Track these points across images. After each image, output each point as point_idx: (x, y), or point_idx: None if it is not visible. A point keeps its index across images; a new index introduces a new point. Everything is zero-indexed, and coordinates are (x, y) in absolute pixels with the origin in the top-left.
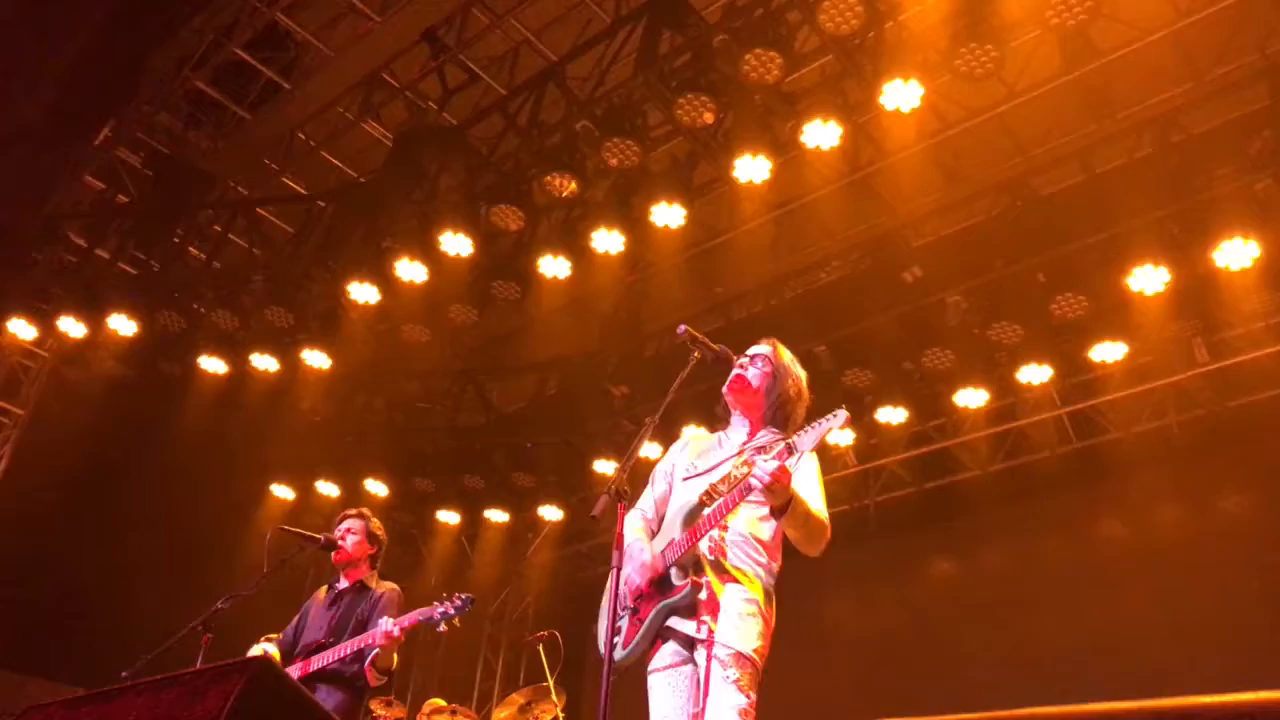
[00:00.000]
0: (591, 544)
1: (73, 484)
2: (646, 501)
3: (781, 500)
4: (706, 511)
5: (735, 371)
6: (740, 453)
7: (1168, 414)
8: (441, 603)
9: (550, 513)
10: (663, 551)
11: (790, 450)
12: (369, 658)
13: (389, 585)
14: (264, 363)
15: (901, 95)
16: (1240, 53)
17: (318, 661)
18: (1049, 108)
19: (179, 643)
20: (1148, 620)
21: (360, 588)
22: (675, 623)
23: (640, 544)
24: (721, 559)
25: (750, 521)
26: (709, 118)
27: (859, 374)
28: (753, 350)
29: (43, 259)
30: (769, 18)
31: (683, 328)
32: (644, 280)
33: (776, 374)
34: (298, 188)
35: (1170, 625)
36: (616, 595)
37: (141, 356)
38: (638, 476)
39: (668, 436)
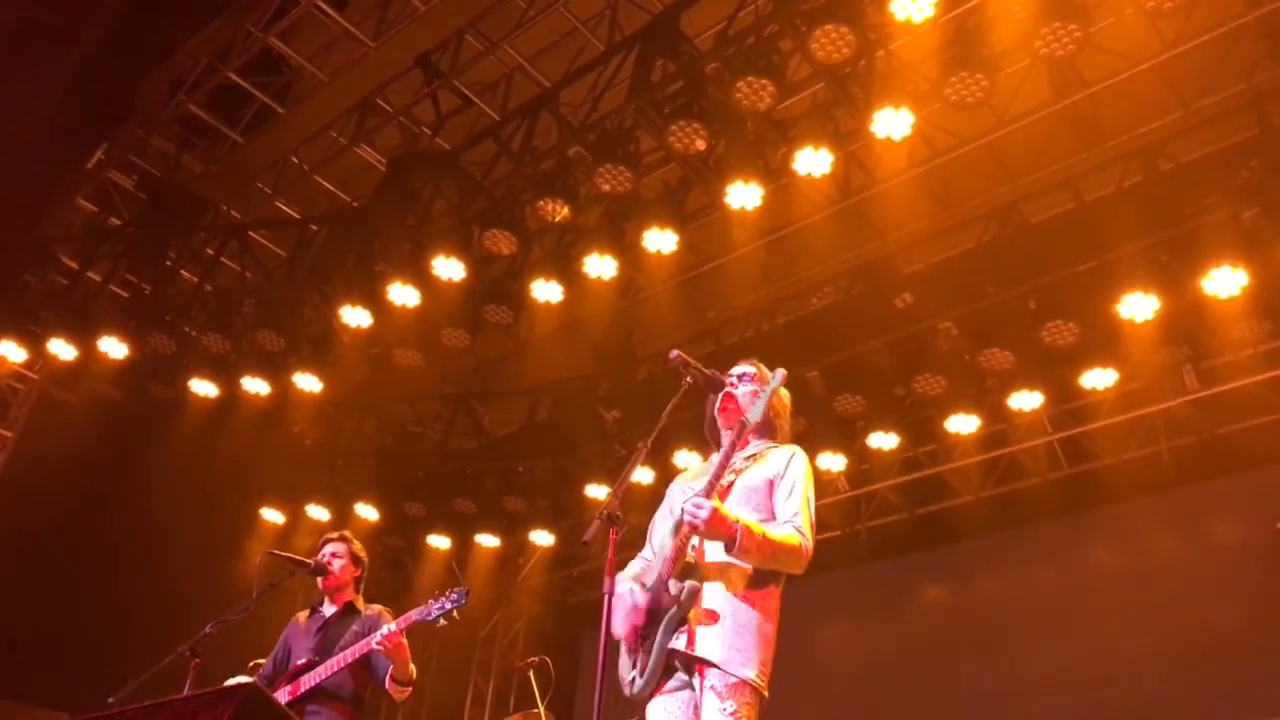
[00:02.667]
0: (583, 569)
1: (61, 507)
2: (646, 551)
3: (721, 536)
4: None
5: (725, 391)
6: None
7: (1158, 440)
8: (436, 599)
9: (541, 537)
10: (658, 574)
11: (744, 426)
12: (385, 674)
13: (378, 606)
14: (255, 386)
15: (892, 123)
16: (1227, 83)
17: (308, 681)
18: (1038, 136)
19: (167, 667)
20: (1140, 648)
21: (349, 610)
22: (673, 641)
23: (629, 587)
24: (706, 559)
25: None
26: (701, 144)
27: (850, 399)
28: (738, 370)
29: (33, 281)
30: (761, 46)
31: (675, 353)
32: (636, 305)
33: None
34: (290, 211)
35: (1162, 653)
36: (608, 627)
37: (132, 379)
38: (630, 501)
39: (660, 461)
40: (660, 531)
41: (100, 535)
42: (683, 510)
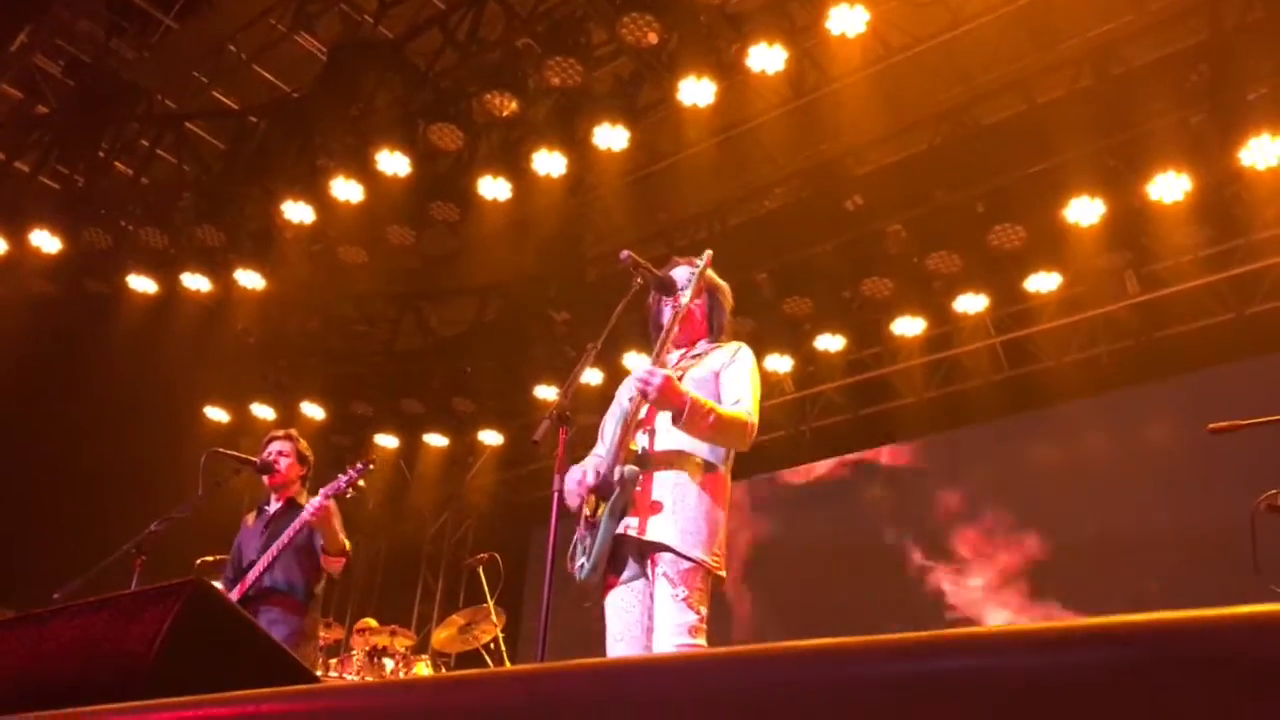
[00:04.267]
0: (532, 468)
1: None
2: (599, 448)
3: (671, 405)
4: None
5: (670, 309)
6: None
7: (1098, 343)
8: (344, 473)
9: (490, 437)
10: (608, 460)
11: (679, 311)
12: (318, 547)
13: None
14: (195, 282)
15: (847, 20)
16: None
17: (251, 576)
18: (992, 37)
19: (112, 565)
20: (1074, 541)
21: (291, 505)
22: (620, 526)
23: (579, 467)
24: (655, 448)
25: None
26: (653, 38)
27: (798, 301)
28: (677, 275)
29: None
30: None
31: (626, 253)
32: (586, 204)
33: (710, 294)
34: (229, 102)
35: (1095, 546)
36: (556, 520)
37: (67, 274)
38: (579, 402)
39: (609, 362)
40: (610, 428)
41: (40, 433)
42: (638, 395)
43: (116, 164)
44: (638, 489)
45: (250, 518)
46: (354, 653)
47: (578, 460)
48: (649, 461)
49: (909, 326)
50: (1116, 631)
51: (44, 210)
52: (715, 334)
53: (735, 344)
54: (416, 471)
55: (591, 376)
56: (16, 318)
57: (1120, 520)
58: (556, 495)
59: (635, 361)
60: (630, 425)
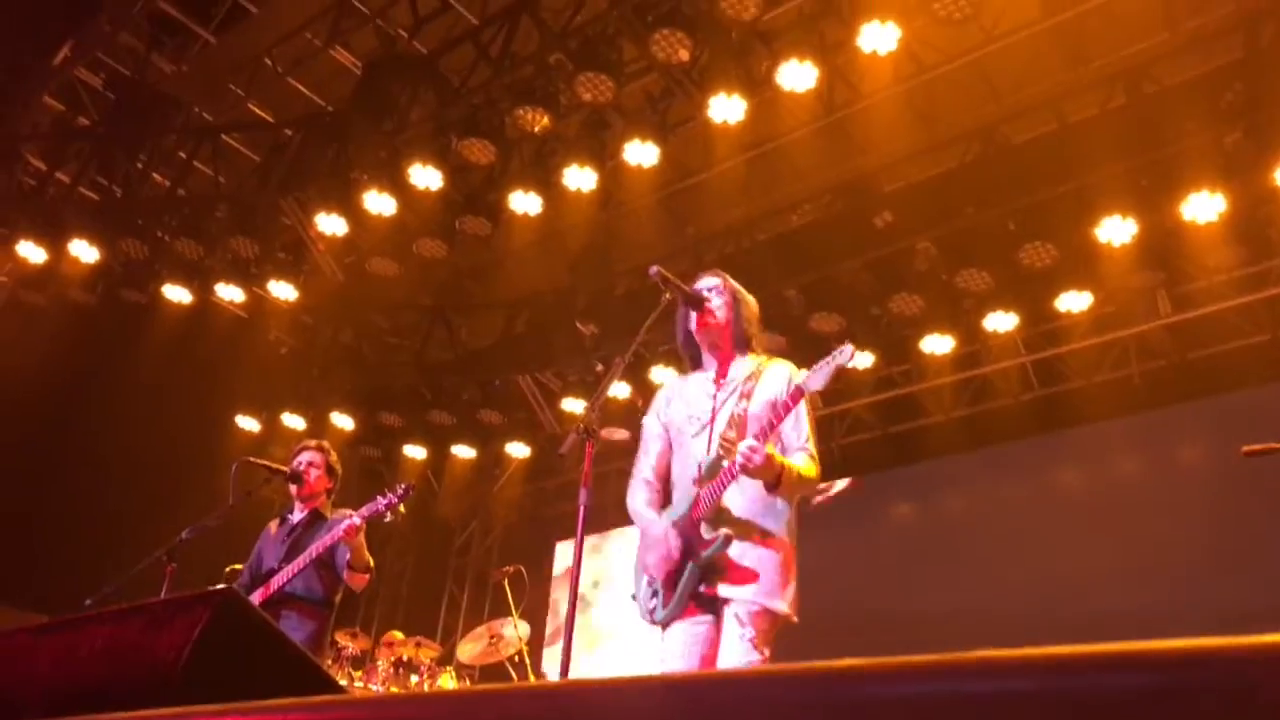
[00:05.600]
0: (559, 481)
1: (34, 410)
2: (645, 467)
3: (769, 477)
4: (725, 464)
5: (701, 316)
6: (721, 387)
7: (1130, 364)
8: (384, 495)
9: (517, 449)
10: (687, 514)
11: (800, 394)
12: (343, 563)
13: (345, 510)
14: (229, 293)
15: (879, 37)
16: (1215, 4)
17: (276, 583)
18: (1025, 55)
19: (143, 573)
20: (1104, 565)
21: (316, 516)
22: (706, 584)
23: (655, 524)
24: (734, 507)
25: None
26: (684, 55)
27: (827, 318)
28: (705, 284)
29: (0, 181)
30: None
31: (655, 268)
32: (615, 219)
33: (735, 300)
34: (264, 115)
35: (1126, 571)
36: (581, 535)
37: (104, 284)
38: (606, 415)
39: (636, 377)
40: (654, 450)
41: (73, 440)
42: (721, 451)
43: (154, 175)
44: (723, 552)
45: (274, 525)
46: (380, 664)
47: (602, 475)
48: (728, 520)
49: (938, 344)
50: (1143, 657)
51: (83, 220)
52: (740, 344)
53: (782, 367)
54: (444, 482)
55: (619, 390)
56: (53, 325)
57: (1149, 542)
58: (582, 509)
59: (662, 375)
60: (713, 483)
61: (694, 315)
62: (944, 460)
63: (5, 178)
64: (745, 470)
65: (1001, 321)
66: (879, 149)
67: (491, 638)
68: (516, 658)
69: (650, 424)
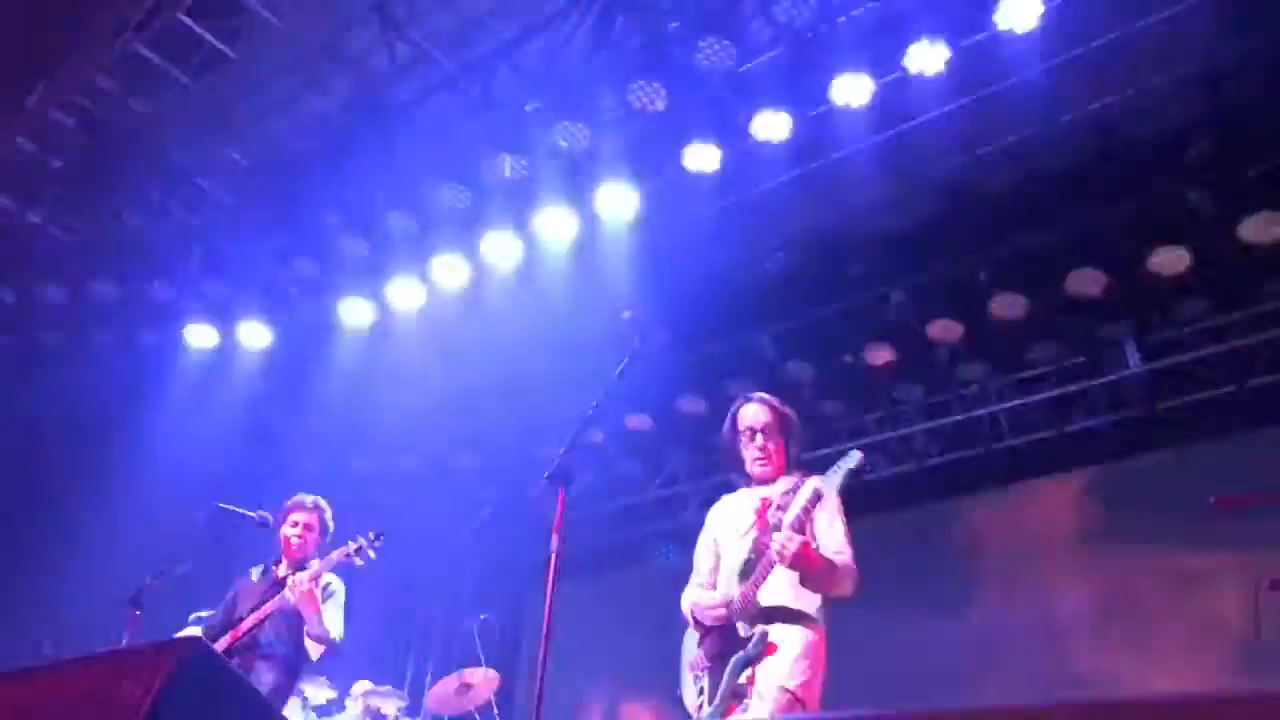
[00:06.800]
0: (529, 528)
1: None
2: (698, 575)
3: (806, 568)
4: (759, 566)
5: (752, 456)
6: (763, 501)
7: (1099, 413)
8: (354, 540)
9: (489, 495)
10: (727, 611)
11: (819, 497)
12: (305, 631)
13: (330, 576)
14: (201, 335)
15: (853, 90)
16: (1181, 61)
17: (238, 631)
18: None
19: (104, 619)
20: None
21: (300, 569)
22: (742, 676)
23: (716, 597)
24: (778, 605)
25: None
26: (660, 105)
27: (800, 366)
28: (753, 423)
29: None
30: (724, 4)
31: (627, 313)
32: (592, 264)
33: (785, 434)
34: (239, 158)
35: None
36: (554, 582)
37: (74, 325)
38: (577, 461)
39: (608, 422)
40: (706, 562)
41: (35, 481)
42: (754, 555)
43: (126, 217)
44: (763, 648)
45: (256, 572)
46: (347, 713)
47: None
48: (769, 615)
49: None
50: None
51: (53, 262)
52: (792, 466)
53: (815, 478)
54: (414, 528)
55: (590, 436)
56: (21, 367)
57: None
58: (554, 557)
59: (636, 423)
60: (749, 583)
61: (747, 458)
62: (923, 508)
63: None
64: (782, 558)
65: (973, 371)
66: (853, 198)
67: (461, 686)
68: (486, 708)
69: (703, 538)
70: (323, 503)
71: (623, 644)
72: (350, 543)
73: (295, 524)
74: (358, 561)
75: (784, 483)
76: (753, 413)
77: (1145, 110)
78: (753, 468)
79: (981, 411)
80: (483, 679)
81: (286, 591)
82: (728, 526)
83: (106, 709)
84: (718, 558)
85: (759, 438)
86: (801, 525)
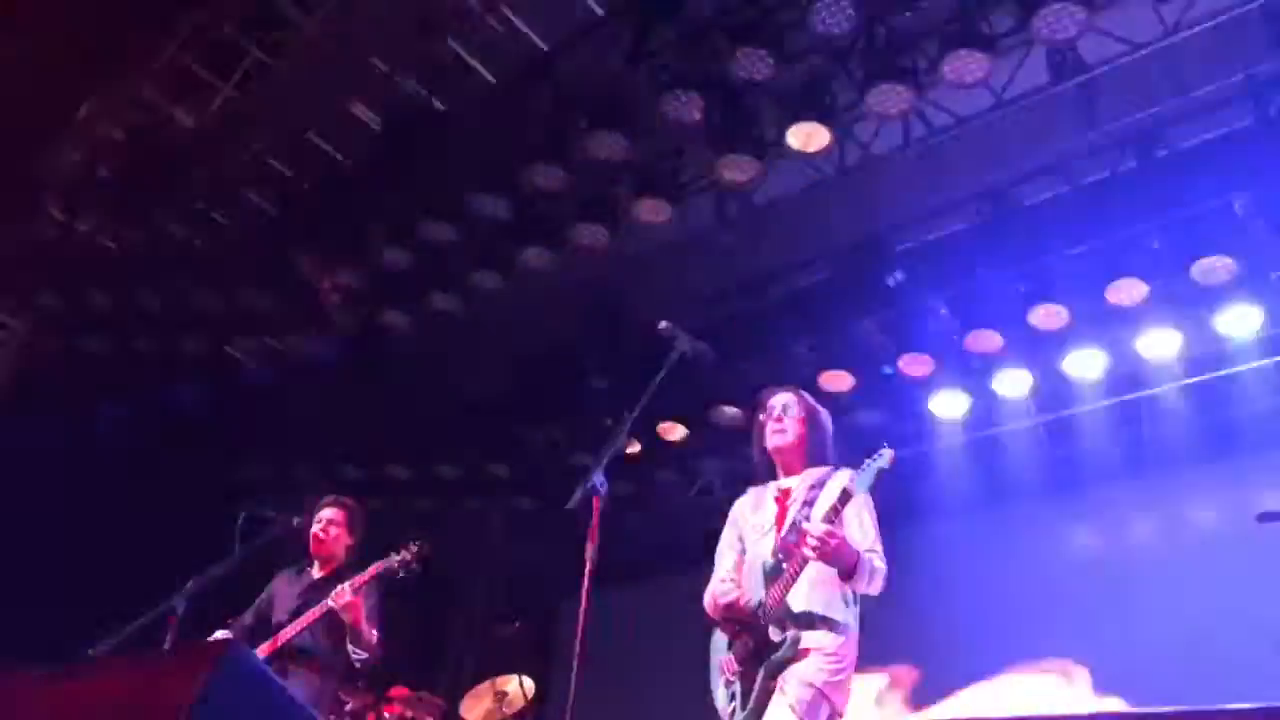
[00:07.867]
0: (565, 537)
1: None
2: (721, 570)
3: (843, 564)
4: (785, 567)
5: (771, 430)
6: (788, 495)
7: (1142, 424)
8: (397, 552)
9: (524, 503)
10: (756, 617)
11: (848, 496)
12: (348, 641)
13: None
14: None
15: (890, 99)
16: (1226, 71)
17: (281, 638)
18: (1036, 118)
19: (148, 623)
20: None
21: (336, 576)
22: (773, 682)
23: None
24: (808, 609)
25: (823, 568)
26: (696, 115)
27: (837, 375)
28: (777, 402)
29: (19, 231)
30: (761, 15)
31: (664, 324)
32: (626, 274)
33: (810, 419)
34: (282, 169)
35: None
36: (589, 591)
37: (118, 334)
38: (614, 469)
39: (647, 431)
40: (729, 558)
41: (80, 484)
42: (782, 555)
43: (171, 228)
44: (795, 652)
45: (290, 575)
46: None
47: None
48: (800, 618)
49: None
50: None
51: (101, 270)
52: (815, 458)
53: (844, 473)
54: (449, 534)
55: (629, 446)
56: (67, 374)
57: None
58: (589, 565)
59: (671, 432)
60: (778, 585)
61: (767, 432)
62: (956, 522)
63: (24, 228)
64: (819, 554)
65: (1012, 381)
66: (889, 208)
67: (496, 694)
68: (522, 714)
69: (726, 533)
70: (350, 502)
71: (657, 653)
72: (393, 554)
73: (321, 520)
74: (401, 574)
75: (807, 475)
76: (781, 397)
77: None
78: (771, 439)
79: None
80: (517, 687)
81: (330, 600)
82: (751, 524)
83: (147, 709)
84: (742, 554)
85: (781, 415)
86: (830, 522)
